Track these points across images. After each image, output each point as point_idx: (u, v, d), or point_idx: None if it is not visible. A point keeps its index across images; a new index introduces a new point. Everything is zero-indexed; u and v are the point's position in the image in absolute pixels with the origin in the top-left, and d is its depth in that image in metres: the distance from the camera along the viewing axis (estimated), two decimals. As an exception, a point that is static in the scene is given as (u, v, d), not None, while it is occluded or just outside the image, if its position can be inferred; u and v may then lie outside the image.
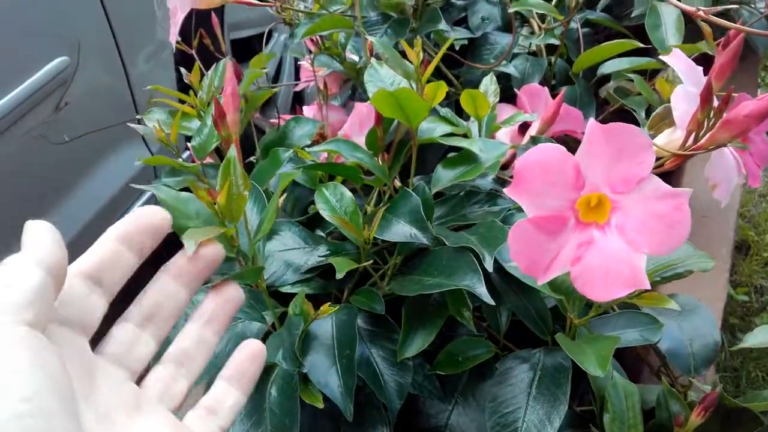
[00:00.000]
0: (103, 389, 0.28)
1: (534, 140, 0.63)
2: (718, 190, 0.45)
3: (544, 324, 0.48)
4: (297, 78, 1.77)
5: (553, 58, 0.72)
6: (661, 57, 0.46)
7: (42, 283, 0.25)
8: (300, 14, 0.72)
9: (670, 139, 0.44)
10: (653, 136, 0.45)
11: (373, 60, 0.55)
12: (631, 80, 0.72)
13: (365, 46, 0.64)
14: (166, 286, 0.33)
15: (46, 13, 1.12)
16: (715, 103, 0.41)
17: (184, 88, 1.42)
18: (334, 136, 0.80)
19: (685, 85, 0.42)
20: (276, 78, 1.72)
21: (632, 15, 0.79)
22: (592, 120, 0.36)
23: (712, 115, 0.38)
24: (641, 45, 0.69)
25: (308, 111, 0.83)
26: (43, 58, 1.11)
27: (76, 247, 0.95)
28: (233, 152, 0.43)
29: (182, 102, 0.64)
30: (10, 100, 1.06)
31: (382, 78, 0.54)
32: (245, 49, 1.59)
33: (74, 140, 1.07)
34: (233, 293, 0.34)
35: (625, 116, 0.73)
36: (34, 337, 0.24)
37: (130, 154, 1.33)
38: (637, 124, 0.68)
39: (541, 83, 0.72)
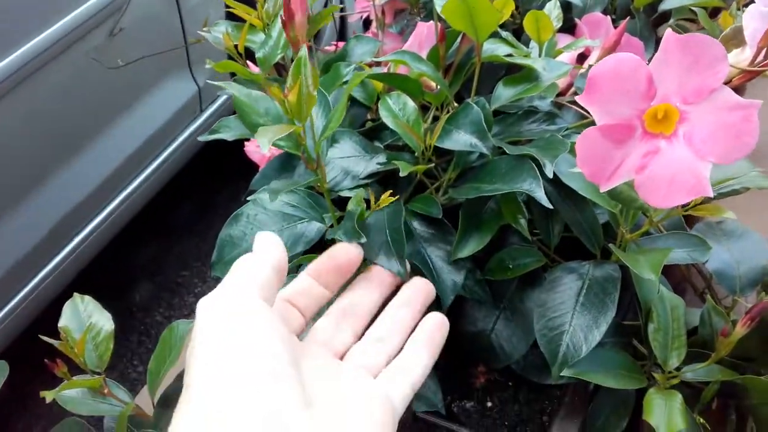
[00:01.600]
0: (312, 362, 0.34)
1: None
2: (782, 111, 0.45)
3: (595, 238, 0.50)
4: (341, 26, 1.77)
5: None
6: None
7: (270, 274, 0.33)
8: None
9: (738, 59, 0.45)
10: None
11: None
12: (693, 19, 0.71)
13: None
14: (360, 290, 0.40)
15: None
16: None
17: (231, 17, 1.44)
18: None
19: (758, 4, 0.43)
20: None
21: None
22: (669, 31, 0.36)
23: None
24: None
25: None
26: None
27: (124, 172, 0.99)
28: (304, 51, 0.44)
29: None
30: (67, 23, 1.08)
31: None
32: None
33: (127, 66, 1.10)
34: (422, 286, 0.39)
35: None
36: (270, 310, 0.31)
37: (177, 85, 1.36)
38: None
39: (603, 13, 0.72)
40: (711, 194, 0.37)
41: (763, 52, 0.41)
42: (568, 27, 0.71)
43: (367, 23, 0.93)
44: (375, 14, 0.81)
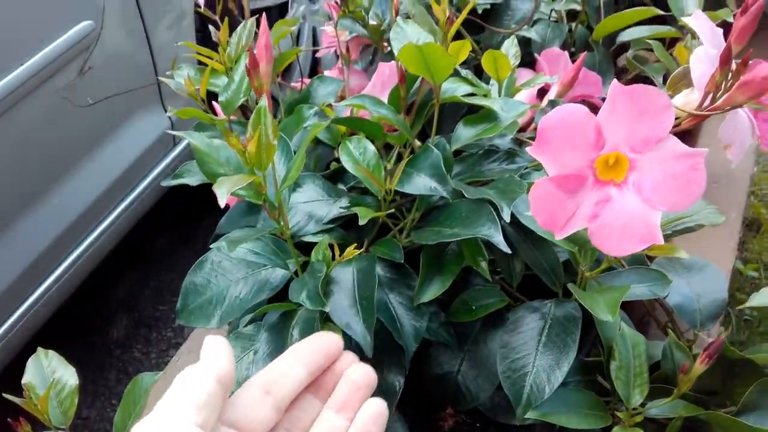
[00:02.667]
0: None
1: (552, 103, 0.64)
2: (731, 150, 0.47)
3: (555, 276, 0.50)
4: (313, 59, 1.78)
5: (573, 25, 0.72)
6: (683, 19, 0.47)
7: (213, 391, 0.31)
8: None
9: (688, 100, 0.46)
10: (671, 96, 0.47)
11: (398, 18, 0.56)
12: (650, 49, 0.73)
13: (391, 7, 0.65)
14: (285, 363, 0.35)
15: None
16: (733, 66, 0.42)
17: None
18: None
19: (706, 47, 0.44)
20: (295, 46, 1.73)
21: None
22: (615, 81, 0.37)
23: (729, 77, 0.40)
24: (661, 12, 0.70)
25: (329, 74, 0.84)
26: (70, 21, 1.12)
27: (97, 208, 0.98)
28: (264, 102, 0.45)
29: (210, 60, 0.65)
30: (36, 63, 1.08)
31: (407, 35, 0.55)
32: (268, 18, 1.61)
33: (96, 104, 1.09)
34: (363, 380, 0.35)
35: (644, 84, 0.74)
36: None
37: (149, 120, 1.35)
38: (654, 91, 0.69)
39: (561, 49, 0.74)
40: (662, 242, 0.38)
41: (710, 97, 0.41)
42: (529, 61, 0.72)
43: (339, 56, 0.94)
44: (340, 51, 0.82)
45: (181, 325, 0.50)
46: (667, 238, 0.49)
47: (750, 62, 0.48)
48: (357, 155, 0.52)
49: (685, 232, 0.48)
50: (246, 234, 0.46)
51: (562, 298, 0.50)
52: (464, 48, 0.54)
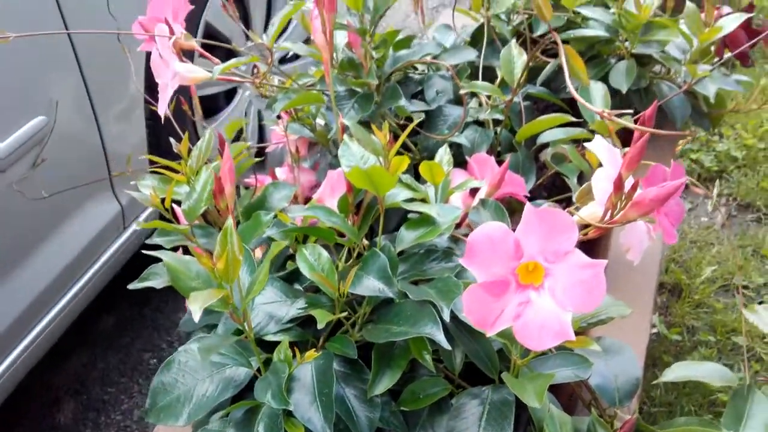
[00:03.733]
0: None
1: (483, 202, 0.72)
2: (631, 253, 0.55)
3: (492, 364, 0.57)
4: (260, 134, 1.85)
5: (498, 129, 0.82)
6: (587, 145, 0.56)
7: None
8: (275, 88, 0.81)
9: (593, 211, 0.54)
10: (579, 208, 0.55)
11: (345, 137, 0.64)
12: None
13: (337, 119, 0.73)
14: None
15: (28, 75, 1.18)
16: (631, 182, 0.51)
17: (154, 144, 1.48)
18: (304, 195, 0.89)
19: (606, 168, 0.52)
20: (239, 133, 1.79)
21: (567, 90, 0.90)
22: (528, 205, 0.45)
23: (623, 199, 0.48)
24: (574, 119, 0.80)
25: (280, 172, 0.91)
26: (23, 117, 1.17)
27: (48, 294, 1.03)
28: (230, 222, 0.51)
29: (169, 168, 0.71)
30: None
31: (353, 153, 0.63)
32: (211, 105, 1.67)
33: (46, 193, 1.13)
34: None
35: (561, 179, 0.84)
36: None
37: (100, 207, 1.39)
38: (570, 188, 0.79)
39: (489, 151, 0.83)
40: (573, 338, 0.45)
41: (609, 212, 0.50)
42: (461, 161, 0.81)
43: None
44: (289, 149, 0.89)
45: (144, 420, 0.54)
46: (585, 329, 0.57)
47: (651, 165, 0.58)
48: (312, 261, 0.58)
49: (599, 324, 0.56)
50: (217, 341, 0.51)
51: (498, 384, 0.56)
52: (403, 163, 0.62)
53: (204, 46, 1.29)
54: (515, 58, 0.76)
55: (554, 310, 0.46)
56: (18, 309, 1.23)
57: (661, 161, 0.91)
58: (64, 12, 1.22)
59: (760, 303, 1.51)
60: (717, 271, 1.63)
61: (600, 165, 0.56)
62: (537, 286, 0.47)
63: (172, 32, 0.74)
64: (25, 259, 1.25)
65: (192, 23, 1.55)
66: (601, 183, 0.52)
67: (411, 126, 0.62)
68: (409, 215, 0.66)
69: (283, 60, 1.93)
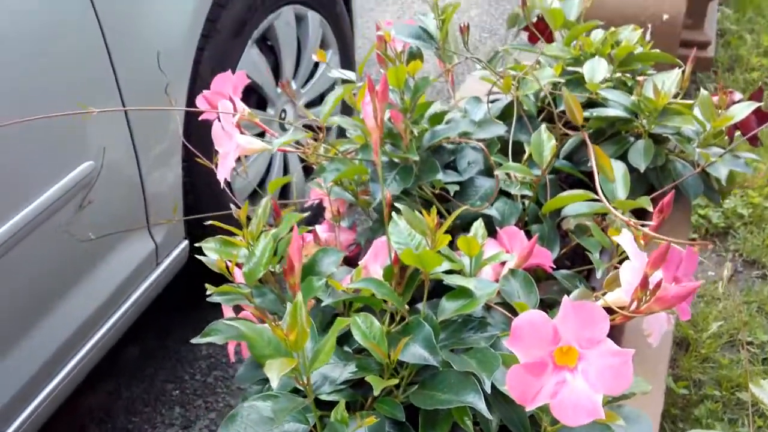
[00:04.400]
0: None
1: (512, 272, 0.79)
2: (652, 337, 0.62)
3: (524, 429, 0.63)
4: (285, 165, 1.92)
5: (526, 202, 0.89)
6: (615, 238, 0.63)
7: None
8: (322, 159, 0.88)
9: (619, 297, 0.61)
10: (605, 293, 0.62)
11: (395, 215, 0.71)
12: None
13: (383, 191, 0.80)
14: None
15: (80, 122, 1.26)
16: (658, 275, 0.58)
17: (188, 183, 1.53)
18: (345, 251, 0.96)
19: (632, 261, 0.59)
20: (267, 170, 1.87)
21: (588, 164, 0.97)
22: (566, 298, 0.52)
23: (648, 294, 0.55)
24: (595, 196, 0.87)
25: (320, 229, 0.98)
26: (74, 162, 1.24)
27: (84, 330, 1.11)
28: (300, 298, 0.58)
29: (231, 234, 0.78)
30: (41, 203, 1.19)
31: (401, 231, 0.70)
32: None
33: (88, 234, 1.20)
34: None
35: (582, 249, 0.91)
36: None
37: (136, 245, 1.46)
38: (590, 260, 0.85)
39: (517, 221, 0.90)
40: (603, 416, 0.52)
41: (635, 303, 0.57)
42: (491, 231, 0.88)
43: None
44: (330, 209, 0.96)
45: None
46: (609, 403, 0.64)
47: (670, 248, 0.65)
48: (365, 329, 0.65)
49: (622, 399, 0.62)
50: (288, 404, 0.57)
51: (529, 447, 0.63)
52: (445, 240, 0.69)
53: (245, 99, 1.38)
54: (545, 143, 0.84)
55: (587, 391, 0.53)
56: (55, 345, 1.29)
57: (676, 234, 0.98)
58: (115, 66, 1.30)
59: (764, 360, 1.57)
60: (723, 326, 1.69)
61: (623, 253, 0.63)
62: (572, 368, 0.54)
63: (235, 109, 0.82)
64: (65, 297, 1.32)
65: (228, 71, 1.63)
66: (628, 275, 0.59)
67: (455, 214, 0.69)
68: (445, 282, 0.73)
69: (310, 104, 2.02)
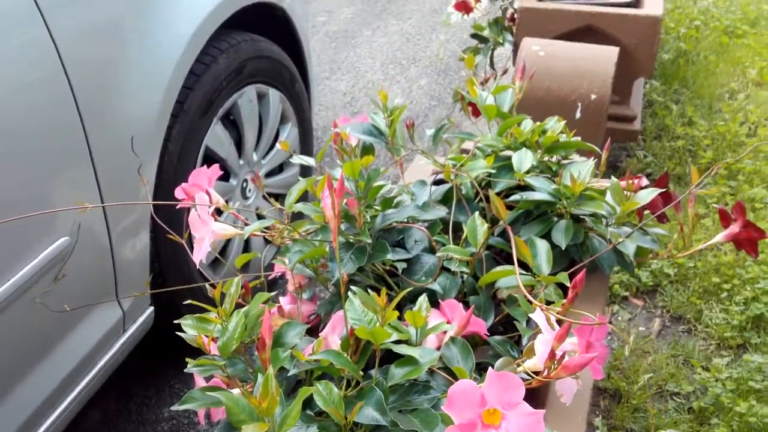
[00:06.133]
0: None
1: (453, 340, 0.92)
2: (564, 398, 0.74)
3: (461, 480, 0.75)
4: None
5: (465, 277, 1.02)
6: (531, 315, 0.77)
7: None
8: (288, 240, 1.00)
9: (535, 364, 0.74)
10: (525, 360, 0.75)
11: (350, 295, 0.83)
12: (519, 291, 1.03)
13: (339, 271, 0.92)
14: None
15: (57, 199, 1.36)
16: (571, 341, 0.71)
17: (154, 252, 1.62)
18: (303, 321, 1.07)
19: (544, 335, 0.72)
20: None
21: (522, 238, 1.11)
22: (490, 370, 0.65)
23: (556, 363, 0.68)
24: (524, 273, 1.01)
25: (284, 301, 1.10)
26: (50, 239, 1.33)
27: (53, 398, 1.24)
28: (271, 371, 0.69)
29: (199, 305, 0.89)
30: (21, 277, 1.27)
31: (356, 309, 0.82)
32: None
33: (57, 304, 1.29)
34: None
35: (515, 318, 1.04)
36: None
37: (104, 313, 1.54)
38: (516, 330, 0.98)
39: (457, 293, 1.03)
40: (522, 467, 0.64)
41: (547, 370, 0.70)
42: (435, 302, 1.00)
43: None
44: (293, 282, 1.08)
45: None
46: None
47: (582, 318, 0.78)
48: (325, 395, 0.76)
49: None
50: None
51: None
52: (393, 315, 0.82)
53: (203, 164, 1.48)
54: (479, 227, 0.98)
55: (508, 446, 0.65)
56: (24, 415, 1.35)
57: (593, 301, 1.13)
58: (90, 145, 1.41)
59: (689, 409, 1.72)
60: (652, 378, 1.84)
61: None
62: (497, 427, 0.66)
63: (210, 201, 0.94)
64: (38, 363, 1.39)
65: (195, 147, 1.75)
66: (540, 347, 0.72)
67: (400, 293, 0.82)
68: (394, 350, 0.85)
69: (270, 174, 2.15)
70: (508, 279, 1.03)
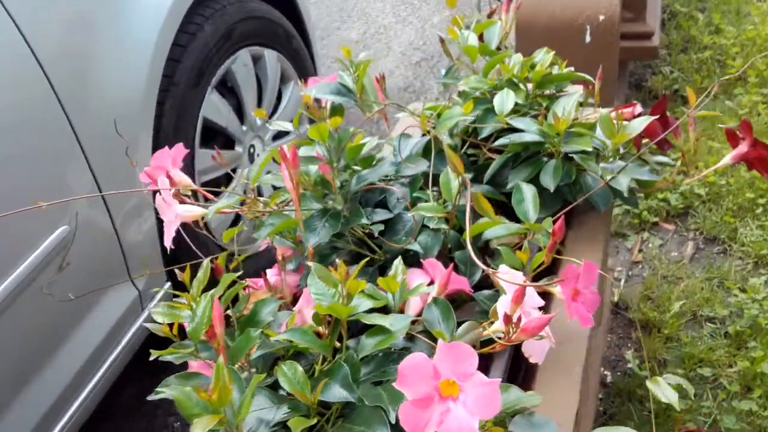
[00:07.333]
0: None
1: (435, 301, 0.88)
2: (533, 357, 0.70)
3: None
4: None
5: (447, 232, 0.98)
6: (497, 274, 0.72)
7: None
8: (262, 213, 0.97)
9: (499, 327, 0.70)
10: (492, 322, 0.71)
11: (311, 272, 0.80)
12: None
13: (306, 243, 0.89)
14: None
15: (53, 191, 1.36)
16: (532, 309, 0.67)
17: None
18: (291, 294, 1.05)
19: (507, 296, 0.68)
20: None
21: (509, 186, 1.06)
22: (440, 341, 0.61)
23: (513, 327, 0.64)
24: (507, 222, 0.96)
25: (270, 273, 1.08)
26: (48, 230, 1.34)
27: (75, 383, 1.25)
28: (221, 360, 0.67)
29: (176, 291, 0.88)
30: (27, 266, 1.29)
31: (316, 283, 0.79)
32: (215, 187, 1.85)
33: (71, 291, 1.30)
34: None
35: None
36: None
37: (119, 294, 1.55)
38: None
39: (441, 249, 0.99)
40: (480, 439, 0.61)
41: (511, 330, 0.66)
42: (418, 263, 0.96)
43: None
44: (276, 256, 1.06)
45: None
46: (504, 417, 0.73)
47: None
48: (290, 376, 0.74)
49: (517, 413, 0.71)
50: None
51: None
52: (360, 285, 0.78)
53: (204, 135, 1.47)
54: (452, 182, 0.92)
55: (467, 417, 0.62)
56: (51, 398, 1.39)
57: (592, 242, 1.07)
58: (77, 131, 1.40)
59: (725, 334, 1.65)
60: (685, 304, 1.77)
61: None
62: (455, 398, 0.63)
63: (172, 183, 0.91)
64: (53, 354, 1.42)
65: (191, 120, 1.73)
66: (502, 309, 0.68)
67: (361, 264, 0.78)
68: (363, 321, 0.82)
69: (277, 136, 2.11)
70: (495, 229, 0.98)
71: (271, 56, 2.01)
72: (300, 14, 2.22)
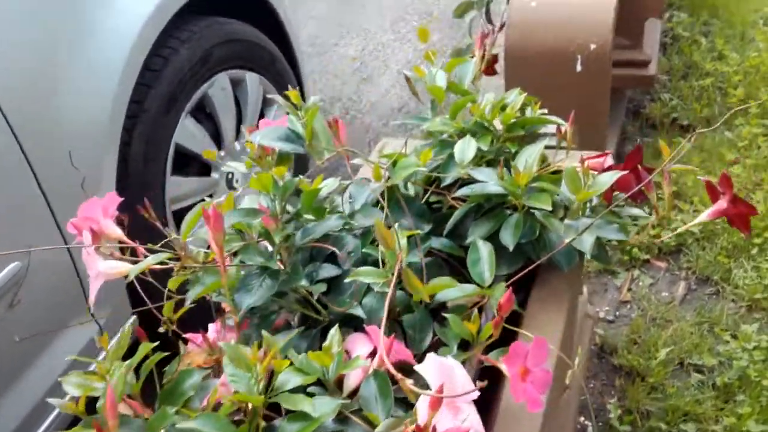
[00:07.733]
0: None
1: (375, 374, 0.81)
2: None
3: None
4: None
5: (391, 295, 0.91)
6: (416, 368, 0.65)
7: None
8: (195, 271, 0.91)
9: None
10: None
11: (225, 348, 0.73)
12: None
13: (234, 312, 0.84)
14: None
15: (4, 224, 1.30)
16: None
17: None
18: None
19: (426, 398, 0.61)
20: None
21: (467, 240, 0.99)
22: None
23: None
24: (459, 285, 0.89)
25: (211, 330, 1.01)
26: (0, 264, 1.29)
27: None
28: None
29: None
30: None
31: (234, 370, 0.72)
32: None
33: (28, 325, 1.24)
34: None
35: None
36: None
37: (78, 329, 1.49)
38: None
39: (388, 312, 0.92)
40: None
41: None
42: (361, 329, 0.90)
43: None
44: (215, 312, 1.00)
45: None
46: None
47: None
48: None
49: None
50: None
51: None
52: (283, 364, 0.72)
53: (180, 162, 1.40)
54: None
55: None
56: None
57: (558, 308, 1.00)
58: (34, 168, 1.35)
59: (713, 385, 1.57)
60: (673, 351, 1.69)
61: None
62: None
63: (96, 239, 0.85)
64: (10, 387, 1.36)
65: (162, 147, 1.67)
66: (422, 410, 0.61)
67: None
68: (284, 406, 0.75)
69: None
70: (447, 292, 0.91)
71: (252, 79, 1.96)
72: (286, 34, 2.16)
